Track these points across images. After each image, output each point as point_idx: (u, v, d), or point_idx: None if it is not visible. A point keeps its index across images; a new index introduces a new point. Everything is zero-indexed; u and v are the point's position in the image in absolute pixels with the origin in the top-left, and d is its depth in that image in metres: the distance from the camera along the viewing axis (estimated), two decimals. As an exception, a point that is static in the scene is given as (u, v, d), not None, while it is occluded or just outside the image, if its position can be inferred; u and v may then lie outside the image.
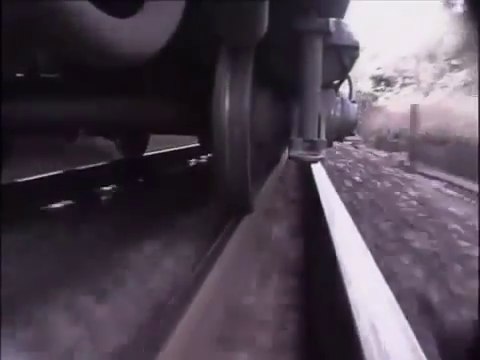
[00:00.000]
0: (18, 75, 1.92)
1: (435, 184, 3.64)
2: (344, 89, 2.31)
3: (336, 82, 2.14)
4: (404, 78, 9.44)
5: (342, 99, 1.87)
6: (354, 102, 1.96)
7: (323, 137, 1.58)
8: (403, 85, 9.36)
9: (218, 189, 1.53)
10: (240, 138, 1.40)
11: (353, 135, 2.00)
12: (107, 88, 1.79)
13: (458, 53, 7.45)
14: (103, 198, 2.73)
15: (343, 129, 1.85)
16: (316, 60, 1.53)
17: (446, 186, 3.59)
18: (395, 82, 9.55)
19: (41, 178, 2.55)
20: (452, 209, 2.53)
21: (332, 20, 1.54)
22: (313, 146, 1.56)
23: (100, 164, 3.31)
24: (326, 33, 1.53)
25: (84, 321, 1.05)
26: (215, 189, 1.54)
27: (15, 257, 1.43)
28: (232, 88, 1.38)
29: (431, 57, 8.75)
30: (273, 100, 1.73)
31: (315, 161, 1.63)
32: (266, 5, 1.20)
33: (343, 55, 1.78)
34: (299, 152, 1.55)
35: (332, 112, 1.78)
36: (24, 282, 1.26)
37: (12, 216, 1.69)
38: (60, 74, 2.00)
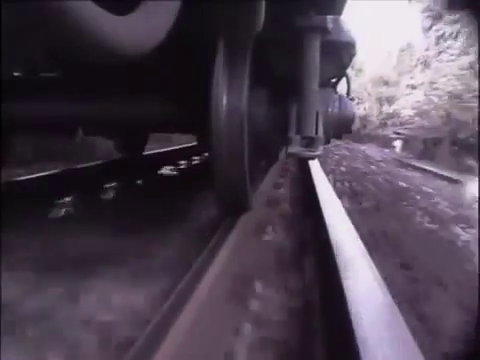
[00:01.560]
0: (16, 74, 1.92)
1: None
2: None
3: (334, 79, 2.15)
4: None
5: (340, 96, 1.87)
6: (352, 99, 1.97)
7: (321, 134, 1.58)
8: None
9: (216, 187, 1.53)
10: (238, 136, 1.40)
11: (350, 132, 2.00)
12: (105, 87, 1.78)
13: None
14: (102, 197, 2.72)
15: (341, 126, 1.85)
16: (314, 57, 1.54)
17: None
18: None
19: (39, 177, 2.55)
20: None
21: (330, 17, 1.55)
22: (311, 143, 1.56)
23: (98, 163, 3.31)
24: (324, 30, 1.53)
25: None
26: (213, 187, 1.55)
27: (12, 257, 1.43)
28: (230, 86, 1.38)
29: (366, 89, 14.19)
30: (271, 98, 1.73)
31: (313, 158, 1.63)
32: (262, 2, 1.20)
33: (341, 52, 1.78)
34: (297, 149, 1.55)
35: (330, 109, 1.78)
36: (22, 284, 1.26)
37: (10, 214, 1.69)
38: (58, 73, 2.00)
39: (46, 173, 2.65)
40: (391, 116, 12.01)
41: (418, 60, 11.57)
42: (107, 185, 2.91)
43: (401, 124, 10.73)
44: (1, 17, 0.46)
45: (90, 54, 0.63)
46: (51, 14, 0.50)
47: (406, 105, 11.17)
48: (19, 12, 0.49)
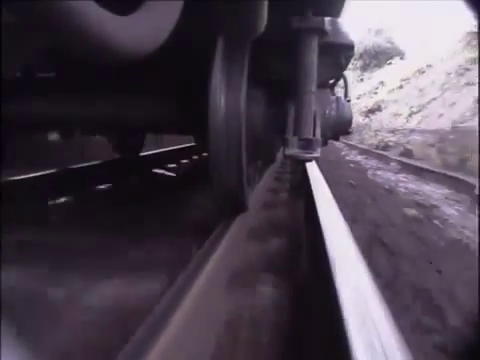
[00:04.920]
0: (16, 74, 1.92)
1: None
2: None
3: (331, 81, 2.15)
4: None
5: (337, 98, 1.88)
6: (349, 101, 1.97)
7: (318, 136, 1.59)
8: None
9: (214, 188, 1.54)
10: (236, 137, 1.40)
11: (349, 134, 2.00)
12: (103, 87, 1.79)
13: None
14: (99, 197, 2.73)
15: (338, 128, 1.85)
16: (312, 59, 1.54)
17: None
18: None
19: (37, 176, 2.54)
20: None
21: (328, 19, 1.55)
22: (308, 145, 1.56)
23: (96, 163, 3.30)
24: (322, 32, 1.53)
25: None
26: (211, 188, 1.55)
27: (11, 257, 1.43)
28: (228, 87, 1.39)
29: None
30: (269, 99, 1.73)
31: (310, 160, 1.64)
32: (264, 3, 1.21)
33: (339, 54, 1.79)
34: (294, 151, 1.56)
35: (327, 111, 1.79)
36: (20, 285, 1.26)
37: (8, 214, 1.69)
38: (57, 73, 2.00)
39: (46, 173, 2.65)
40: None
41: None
42: (106, 185, 2.92)
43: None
44: (1, 17, 0.47)
45: (92, 54, 0.63)
46: (54, 14, 0.50)
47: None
48: (22, 12, 0.50)
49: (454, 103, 8.34)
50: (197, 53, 1.58)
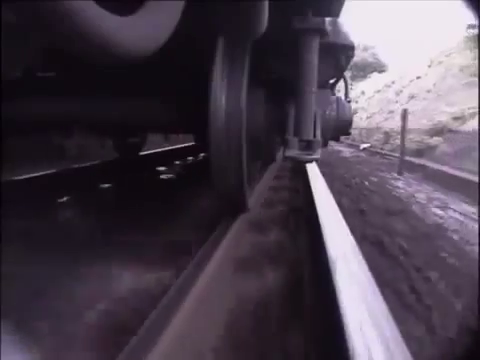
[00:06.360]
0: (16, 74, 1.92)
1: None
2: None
3: (332, 81, 2.15)
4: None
5: (338, 98, 1.88)
6: (349, 102, 1.97)
7: (319, 137, 1.59)
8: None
9: (214, 187, 1.53)
10: (236, 137, 1.40)
11: (349, 134, 2.00)
12: (103, 88, 1.79)
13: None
14: (99, 196, 2.72)
15: (339, 128, 1.85)
16: (312, 59, 1.54)
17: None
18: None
19: (37, 176, 2.54)
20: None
21: (328, 19, 1.55)
22: (308, 146, 1.56)
23: (96, 163, 3.30)
24: (322, 32, 1.53)
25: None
26: (211, 187, 1.55)
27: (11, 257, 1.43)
28: (229, 87, 1.39)
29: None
30: (269, 99, 1.73)
31: (310, 161, 1.64)
32: (264, 3, 1.21)
33: (339, 54, 1.79)
34: (295, 152, 1.56)
35: (328, 111, 1.79)
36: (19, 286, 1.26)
37: (9, 213, 1.69)
38: (59, 73, 2.00)
39: (46, 173, 2.64)
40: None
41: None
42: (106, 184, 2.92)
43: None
44: (1, 17, 0.47)
45: (93, 55, 0.63)
46: (55, 14, 0.50)
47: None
48: (21, 12, 0.49)
49: (384, 113, 14.10)
50: (198, 53, 1.58)
